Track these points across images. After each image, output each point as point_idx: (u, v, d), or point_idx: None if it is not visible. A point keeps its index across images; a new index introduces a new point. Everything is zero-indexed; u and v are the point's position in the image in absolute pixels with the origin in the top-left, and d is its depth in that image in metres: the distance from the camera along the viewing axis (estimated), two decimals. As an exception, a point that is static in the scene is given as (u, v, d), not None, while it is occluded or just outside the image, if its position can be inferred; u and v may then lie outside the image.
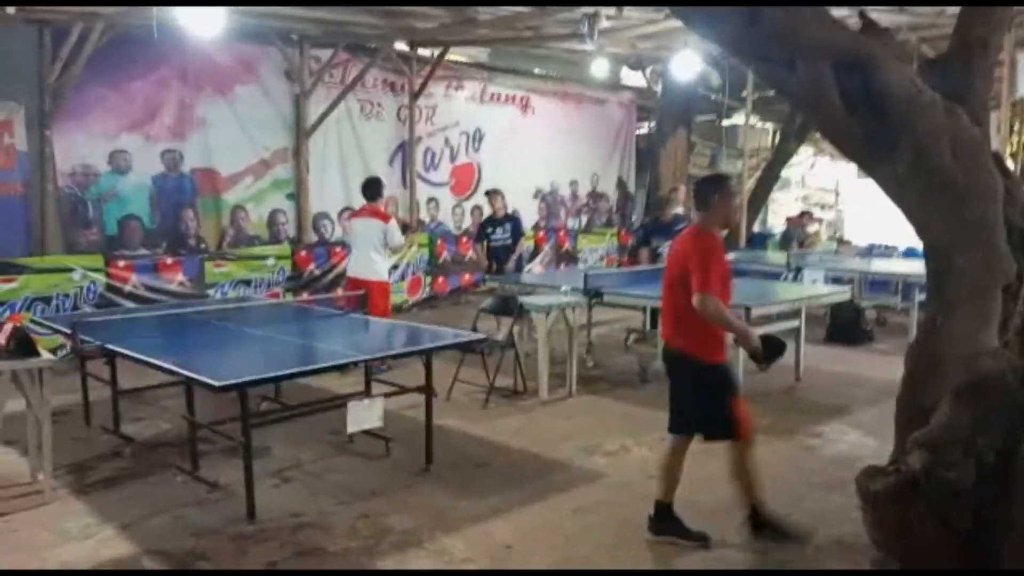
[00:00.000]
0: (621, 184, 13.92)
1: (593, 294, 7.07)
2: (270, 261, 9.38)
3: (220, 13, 6.11)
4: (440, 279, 11.21)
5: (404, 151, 10.81)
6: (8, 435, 4.88)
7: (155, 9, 6.44)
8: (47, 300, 7.68)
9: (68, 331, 5.02)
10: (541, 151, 12.37)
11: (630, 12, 8.12)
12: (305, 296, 9.32)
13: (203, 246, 9.06)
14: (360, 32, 9.15)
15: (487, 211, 9.36)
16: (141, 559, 3.85)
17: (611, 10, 7.57)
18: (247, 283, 9.15)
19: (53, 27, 7.62)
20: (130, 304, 8.10)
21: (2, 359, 4.30)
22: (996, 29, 3.27)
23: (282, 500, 4.52)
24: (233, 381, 3.87)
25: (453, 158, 11.47)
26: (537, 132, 12.30)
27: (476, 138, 11.66)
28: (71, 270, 7.91)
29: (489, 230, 8.80)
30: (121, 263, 8.25)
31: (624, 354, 8.14)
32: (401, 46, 10.11)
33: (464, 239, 11.42)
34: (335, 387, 5.87)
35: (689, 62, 9.86)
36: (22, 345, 4.37)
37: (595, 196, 13.49)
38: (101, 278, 8.09)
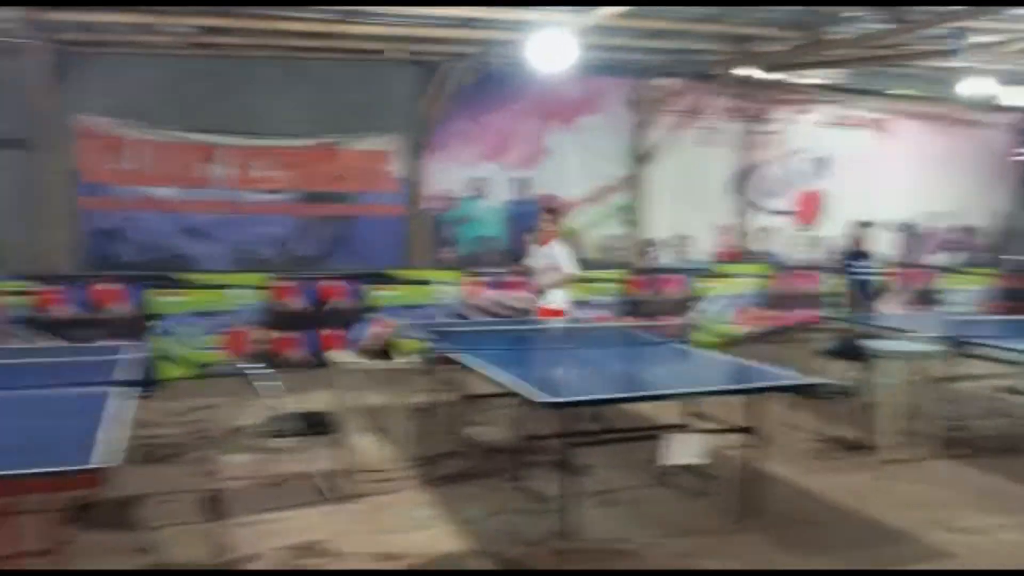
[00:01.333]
0: (997, 217, 12.11)
1: (958, 343, 6.18)
2: (604, 285, 9.65)
3: (571, 49, 6.40)
4: (776, 312, 10.63)
5: (744, 178, 10.49)
6: (368, 426, 5.53)
7: (517, 47, 6.97)
8: (413, 308, 8.68)
9: (428, 338, 5.59)
10: (899, 179, 11.22)
11: (1006, 23, 7.03)
12: (632, 321, 9.44)
13: (544, 267, 9.60)
14: (704, 59, 9.07)
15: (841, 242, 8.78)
16: (470, 557, 4.12)
17: (984, 21, 6.61)
18: (583, 304, 9.48)
19: (428, 66, 8.64)
20: (480, 316, 8.88)
21: (374, 358, 4.91)
22: None
23: (603, 523, 4.56)
24: (552, 399, 3.98)
25: (797, 185, 10.87)
26: (894, 158, 11.19)
27: (823, 164, 10.93)
28: (433, 283, 8.86)
29: (852, 262, 8.37)
30: (473, 279, 9.04)
31: (995, 417, 7.01)
32: (746, 71, 9.84)
33: (805, 271, 10.73)
34: (652, 414, 5.81)
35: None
36: (389, 348, 4.94)
37: (964, 230, 11.90)
38: (457, 292, 8.94)
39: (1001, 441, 6.25)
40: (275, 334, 8.17)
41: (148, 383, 3.80)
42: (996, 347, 6.15)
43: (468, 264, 9.29)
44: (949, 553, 4.27)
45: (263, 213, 8.52)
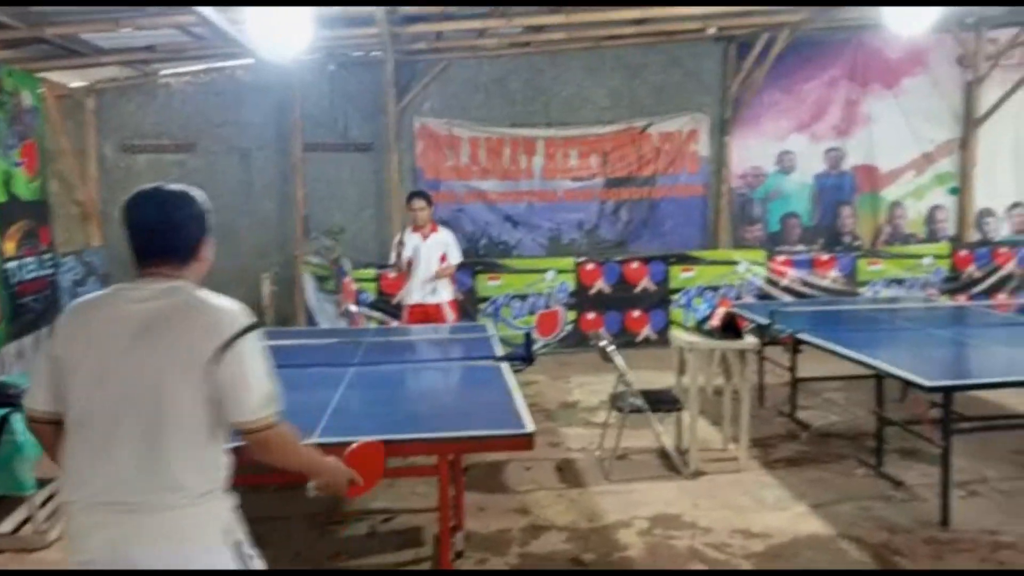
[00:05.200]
0: None
1: None
2: (927, 260, 8.91)
3: (932, 10, 5.93)
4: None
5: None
6: (705, 405, 5.61)
7: (849, 10, 6.63)
8: (715, 289, 8.62)
9: (766, 320, 5.55)
10: None
11: None
12: (962, 300, 8.62)
13: (857, 243, 9.08)
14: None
15: None
16: (837, 541, 4.05)
17: None
18: (900, 282, 8.86)
19: (739, 40, 8.47)
20: (786, 297, 8.61)
21: (715, 338, 4.97)
22: None
23: (974, 513, 4.27)
24: (943, 383, 3.78)
25: None
26: None
27: None
28: (737, 263, 8.74)
29: None
30: (780, 258, 8.78)
31: None
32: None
33: None
34: (1008, 401, 5.29)
35: None
36: (731, 328, 4.97)
37: None
38: (762, 271, 8.74)
39: None
40: (582, 315, 8.52)
41: (528, 358, 4.16)
42: None
43: (775, 242, 9.03)
44: None
45: (574, 200, 8.91)
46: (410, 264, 6.26)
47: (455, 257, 6.42)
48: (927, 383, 3.77)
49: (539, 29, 7.63)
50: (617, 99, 8.77)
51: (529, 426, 3.03)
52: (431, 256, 6.28)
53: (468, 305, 8.13)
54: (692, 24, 7.72)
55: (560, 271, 8.49)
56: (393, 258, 6.33)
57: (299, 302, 8.09)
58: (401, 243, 6.27)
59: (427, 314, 6.21)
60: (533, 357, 4.14)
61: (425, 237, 6.30)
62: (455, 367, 4.31)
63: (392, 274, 7.13)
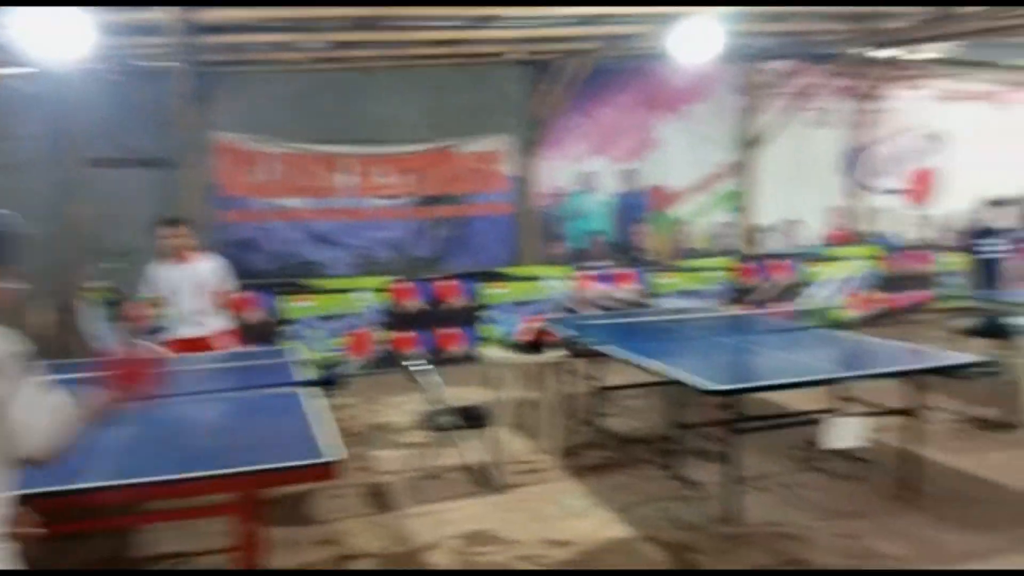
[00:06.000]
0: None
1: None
2: (713, 273, 9.63)
3: (719, 36, 6.40)
4: (890, 294, 10.40)
5: (855, 158, 10.28)
6: (513, 418, 5.71)
7: (638, 40, 7.05)
8: (524, 305, 8.84)
9: (573, 332, 5.73)
10: (1017, 153, 10.80)
11: None
12: (740, 308, 9.39)
13: (653, 258, 9.65)
14: (819, 40, 8.91)
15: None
16: (637, 543, 4.23)
17: None
18: (691, 293, 9.52)
19: (540, 65, 8.77)
20: (591, 311, 8.98)
21: (523, 352, 5.08)
22: None
23: (759, 508, 4.61)
24: (727, 387, 4.06)
25: (909, 163, 10.59)
26: (1011, 131, 10.76)
27: (936, 141, 10.61)
28: (544, 279, 9.02)
29: (978, 240, 8.21)
30: (585, 273, 9.16)
31: None
32: (857, 49, 9.62)
33: (920, 251, 10.50)
34: (790, 401, 5.80)
35: None
36: (539, 342, 5.10)
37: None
38: (569, 286, 9.08)
39: None
40: (394, 334, 8.44)
41: (331, 382, 4.03)
42: None
43: (577, 259, 9.40)
44: None
45: (382, 218, 8.82)
46: (165, 299, 5.60)
47: (227, 283, 5.81)
48: (711, 387, 4.03)
49: (347, 45, 7.49)
50: (428, 118, 8.77)
51: (330, 455, 2.92)
52: (197, 286, 5.63)
53: (271, 328, 7.80)
54: (494, 48, 7.90)
55: (372, 290, 8.36)
56: (145, 293, 5.67)
57: (80, 330, 7.40)
58: (150, 278, 5.63)
59: (195, 349, 5.53)
60: (337, 380, 4.01)
61: (185, 266, 5.65)
62: (249, 397, 4.07)
63: (143, 310, 5.84)
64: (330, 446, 3.01)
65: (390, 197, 8.82)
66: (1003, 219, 8.15)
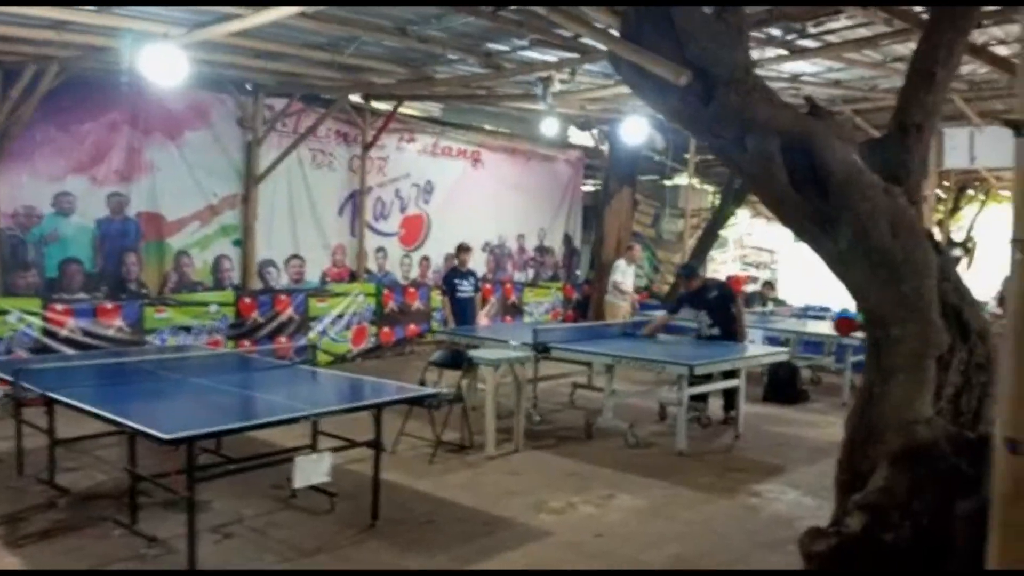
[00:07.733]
0: (567, 239, 14.17)
1: (542, 349, 7.16)
2: (213, 308, 9.26)
3: (183, 63, 6.10)
4: (386, 329, 11.18)
5: (354, 201, 10.85)
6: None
7: (116, 54, 6.43)
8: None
9: (10, 378, 4.87)
10: (490, 204, 12.54)
11: (582, 77, 8.41)
12: (247, 344, 9.21)
13: (144, 291, 8.88)
14: (316, 84, 9.23)
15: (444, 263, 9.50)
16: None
17: (564, 74, 7.81)
18: (187, 329, 9.01)
19: (5, 68, 7.52)
20: (67, 350, 7.91)
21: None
22: (931, 115, 3.53)
23: (224, 556, 4.43)
24: (181, 435, 3.80)
25: (403, 209, 11.54)
26: (486, 186, 12.48)
27: (426, 190, 11.76)
28: (7, 312, 7.70)
29: (456, 281, 9.11)
30: (59, 307, 8.06)
31: (570, 410, 8.22)
32: (355, 98, 10.22)
33: (411, 289, 11.50)
34: (277, 438, 5.78)
35: (637, 126, 10.23)
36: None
37: (542, 250, 13.69)
38: (37, 321, 7.89)
39: (576, 431, 7.37)
40: None
41: None
42: (569, 350, 7.30)
43: (53, 289, 8.22)
44: (548, 531, 4.93)
45: None
46: None
47: None
48: (163, 436, 3.74)
49: None
50: None
51: None
52: None
53: None
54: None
55: None
56: None
57: None
58: None
59: None
60: None
61: None
62: None
63: None
64: None
65: None
66: (472, 261, 9.29)
